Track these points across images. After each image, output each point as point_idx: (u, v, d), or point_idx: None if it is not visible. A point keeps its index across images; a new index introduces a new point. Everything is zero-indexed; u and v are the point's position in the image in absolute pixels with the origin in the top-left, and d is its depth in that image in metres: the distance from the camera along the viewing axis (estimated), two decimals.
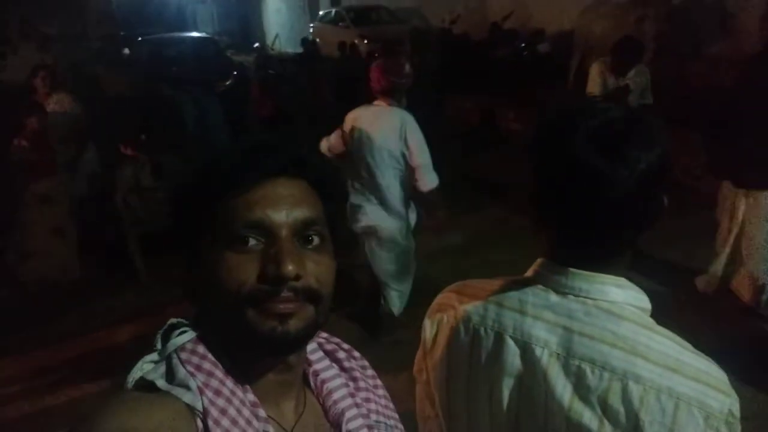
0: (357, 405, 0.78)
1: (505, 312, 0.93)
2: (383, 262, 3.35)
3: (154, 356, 0.68)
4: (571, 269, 0.87)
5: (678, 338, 0.85)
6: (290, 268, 0.64)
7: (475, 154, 6.62)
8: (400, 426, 0.85)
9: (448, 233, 4.19)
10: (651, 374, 0.80)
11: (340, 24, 13.62)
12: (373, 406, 0.81)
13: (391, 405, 0.86)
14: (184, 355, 0.66)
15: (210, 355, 0.67)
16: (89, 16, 9.41)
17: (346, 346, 0.85)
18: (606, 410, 0.82)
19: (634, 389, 0.80)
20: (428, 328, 1.04)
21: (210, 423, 0.62)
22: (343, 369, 0.82)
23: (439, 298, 1.06)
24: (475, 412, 0.96)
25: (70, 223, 4.29)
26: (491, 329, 0.93)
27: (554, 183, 0.87)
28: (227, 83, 8.02)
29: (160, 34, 11.44)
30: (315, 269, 0.68)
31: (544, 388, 0.87)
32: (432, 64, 7.73)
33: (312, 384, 0.79)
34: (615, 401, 0.81)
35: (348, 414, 0.77)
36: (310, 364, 0.79)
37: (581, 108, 0.88)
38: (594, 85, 4.29)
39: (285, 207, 0.68)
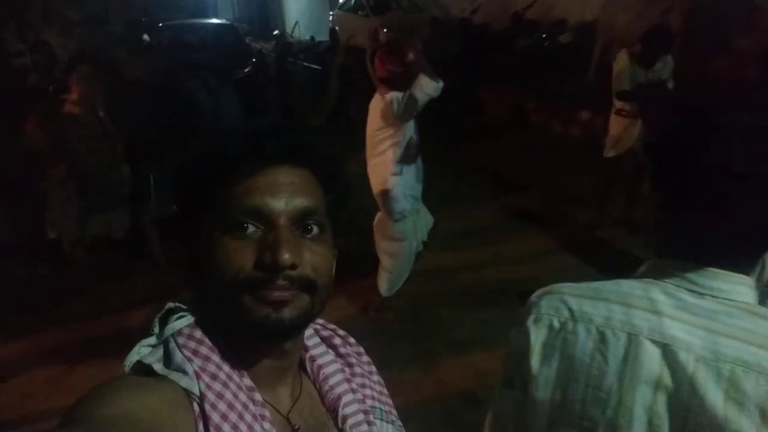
0: (353, 390, 0.79)
1: (634, 312, 0.85)
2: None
3: (152, 340, 0.68)
4: (711, 268, 0.83)
5: None
6: (286, 256, 0.64)
7: (495, 145, 6.58)
8: (395, 412, 0.86)
9: (461, 223, 4.19)
10: None
11: (360, 12, 13.55)
12: (368, 391, 0.82)
13: (385, 391, 0.87)
14: (181, 340, 0.67)
15: (207, 340, 0.68)
16: (111, 1, 9.48)
17: (341, 332, 0.86)
18: (766, 417, 0.76)
19: None
20: (533, 333, 0.91)
21: (207, 407, 0.63)
22: (339, 355, 0.83)
23: (542, 300, 0.94)
24: (594, 419, 0.86)
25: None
26: (621, 330, 0.85)
27: (696, 187, 0.84)
28: (246, 70, 8.03)
29: (180, 20, 11.49)
30: (312, 259, 0.68)
31: (689, 395, 0.79)
32: (451, 55, 7.66)
33: (308, 369, 0.80)
34: None
35: (344, 399, 0.77)
36: (306, 349, 0.80)
37: (721, 104, 0.86)
38: (622, 77, 4.19)
39: (284, 195, 0.68)
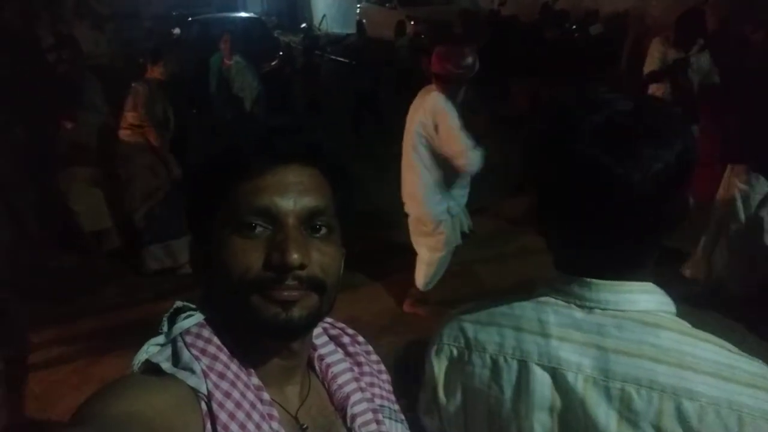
0: (361, 389, 0.79)
1: (524, 336, 0.82)
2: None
3: (160, 339, 0.69)
4: (594, 280, 0.78)
5: (721, 341, 0.77)
6: (295, 257, 0.64)
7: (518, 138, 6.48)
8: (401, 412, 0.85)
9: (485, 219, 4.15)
10: (705, 387, 0.71)
11: (387, 5, 13.50)
12: (377, 390, 0.82)
13: (391, 389, 0.86)
14: (189, 339, 0.67)
15: (215, 339, 0.68)
16: None
17: (350, 331, 0.85)
18: None
19: (690, 407, 0.71)
20: (436, 365, 0.91)
21: (214, 406, 0.63)
22: (347, 354, 0.82)
23: (444, 329, 0.93)
24: None
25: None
26: (512, 357, 0.83)
27: (561, 188, 0.78)
28: (273, 64, 8.07)
29: (209, 14, 11.61)
30: (320, 259, 0.68)
31: (583, 418, 0.76)
32: (480, 47, 7.56)
33: (317, 368, 0.80)
34: (670, 424, 0.71)
35: (353, 398, 0.77)
36: (315, 348, 0.80)
37: (584, 101, 0.78)
38: (652, 61, 4.12)
39: (293, 195, 0.67)
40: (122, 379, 0.63)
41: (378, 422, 0.77)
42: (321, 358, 0.80)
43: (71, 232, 4.39)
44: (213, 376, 0.64)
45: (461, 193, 3.35)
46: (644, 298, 0.77)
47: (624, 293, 0.77)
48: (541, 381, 0.80)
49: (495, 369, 0.84)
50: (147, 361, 0.66)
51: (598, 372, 0.76)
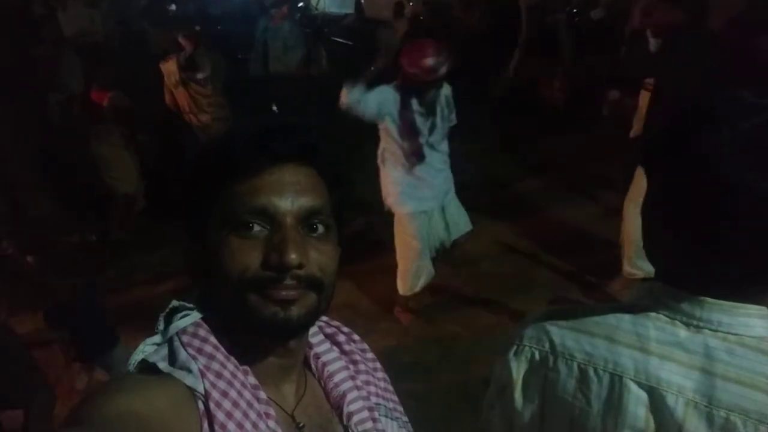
0: (357, 387, 0.79)
1: (620, 349, 0.76)
2: None
3: (156, 338, 0.69)
4: (707, 299, 0.71)
5: None
6: (293, 256, 0.64)
7: (516, 124, 6.46)
8: (400, 408, 0.86)
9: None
10: None
11: None
12: (372, 389, 0.82)
13: (390, 387, 0.87)
14: (185, 338, 0.67)
15: (212, 338, 0.68)
16: None
17: (345, 329, 0.86)
18: None
19: None
20: (514, 367, 0.85)
21: (211, 405, 0.63)
22: (343, 352, 0.83)
23: (525, 330, 0.86)
24: None
25: None
26: (603, 370, 0.77)
27: (685, 201, 0.71)
28: None
29: None
30: (318, 258, 0.68)
31: None
32: (479, 30, 7.49)
33: (313, 367, 0.80)
34: None
35: (349, 396, 0.78)
36: (311, 347, 0.80)
37: (726, 105, 0.69)
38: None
39: (290, 194, 0.67)
40: (119, 378, 0.64)
41: (374, 420, 0.78)
42: (317, 356, 0.80)
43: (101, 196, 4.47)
44: (210, 376, 0.65)
45: (437, 192, 3.17)
46: (762, 324, 0.71)
47: (740, 316, 0.71)
48: (636, 399, 0.75)
49: (583, 379, 0.78)
50: (143, 361, 0.66)
51: (701, 397, 0.71)
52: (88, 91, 4.62)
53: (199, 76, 4.52)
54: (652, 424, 0.74)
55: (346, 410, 0.77)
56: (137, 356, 0.67)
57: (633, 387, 0.75)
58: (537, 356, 0.83)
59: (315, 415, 0.75)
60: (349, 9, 12.59)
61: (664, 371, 0.73)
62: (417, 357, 3.12)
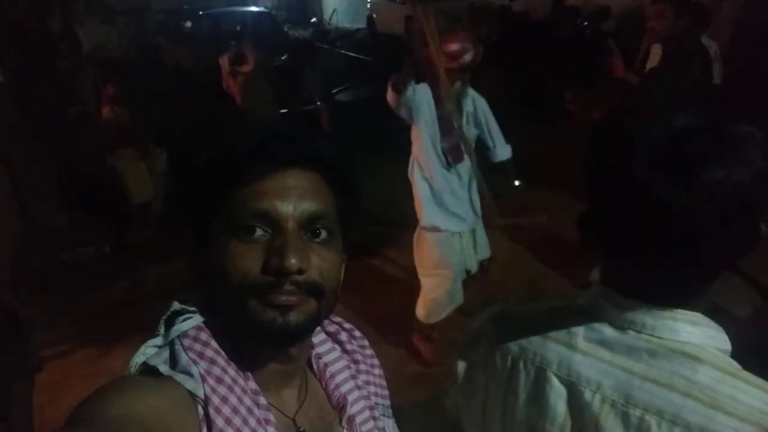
0: (359, 387, 0.80)
1: (549, 344, 0.79)
2: None
3: (158, 341, 0.69)
4: (637, 302, 0.73)
5: None
6: (293, 261, 0.64)
7: (532, 136, 6.45)
8: (389, 401, 0.87)
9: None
10: None
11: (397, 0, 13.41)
12: (372, 388, 0.82)
13: (384, 384, 0.87)
14: (186, 342, 0.67)
15: (213, 343, 0.68)
16: None
17: (347, 325, 0.86)
18: None
19: None
20: (460, 362, 0.91)
21: (211, 410, 0.63)
22: (345, 351, 0.83)
23: (473, 328, 0.92)
24: None
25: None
26: (532, 363, 0.80)
27: (613, 209, 0.72)
28: (282, 58, 8.06)
29: (220, 8, 11.62)
30: (320, 264, 0.68)
31: None
32: (490, 43, 7.52)
33: (315, 367, 0.80)
34: None
35: (350, 397, 0.78)
36: (312, 346, 0.80)
37: (642, 115, 0.70)
38: (656, 52, 4.08)
39: (293, 199, 0.67)
40: (119, 380, 0.64)
41: (375, 419, 0.78)
42: (318, 356, 0.80)
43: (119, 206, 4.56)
44: (210, 380, 0.65)
45: (468, 206, 2.95)
46: (687, 329, 0.71)
47: (665, 320, 0.72)
48: (557, 393, 0.77)
49: (513, 372, 0.82)
50: (144, 364, 0.66)
51: (619, 395, 0.72)
52: (99, 105, 4.76)
53: (244, 69, 5.50)
54: (570, 419, 0.76)
55: (348, 412, 0.77)
56: (138, 358, 0.67)
57: (555, 381, 0.77)
58: (480, 351, 0.88)
59: (316, 419, 0.75)
60: (361, 24, 12.71)
61: (584, 367, 0.75)
62: (423, 367, 3.10)
